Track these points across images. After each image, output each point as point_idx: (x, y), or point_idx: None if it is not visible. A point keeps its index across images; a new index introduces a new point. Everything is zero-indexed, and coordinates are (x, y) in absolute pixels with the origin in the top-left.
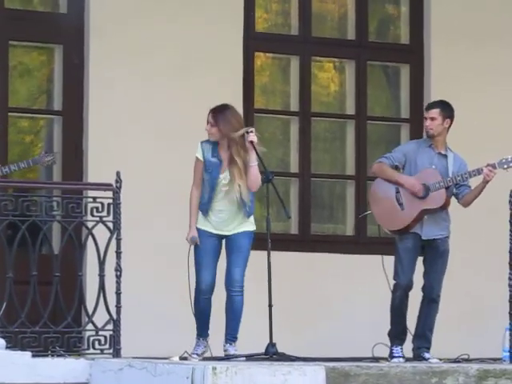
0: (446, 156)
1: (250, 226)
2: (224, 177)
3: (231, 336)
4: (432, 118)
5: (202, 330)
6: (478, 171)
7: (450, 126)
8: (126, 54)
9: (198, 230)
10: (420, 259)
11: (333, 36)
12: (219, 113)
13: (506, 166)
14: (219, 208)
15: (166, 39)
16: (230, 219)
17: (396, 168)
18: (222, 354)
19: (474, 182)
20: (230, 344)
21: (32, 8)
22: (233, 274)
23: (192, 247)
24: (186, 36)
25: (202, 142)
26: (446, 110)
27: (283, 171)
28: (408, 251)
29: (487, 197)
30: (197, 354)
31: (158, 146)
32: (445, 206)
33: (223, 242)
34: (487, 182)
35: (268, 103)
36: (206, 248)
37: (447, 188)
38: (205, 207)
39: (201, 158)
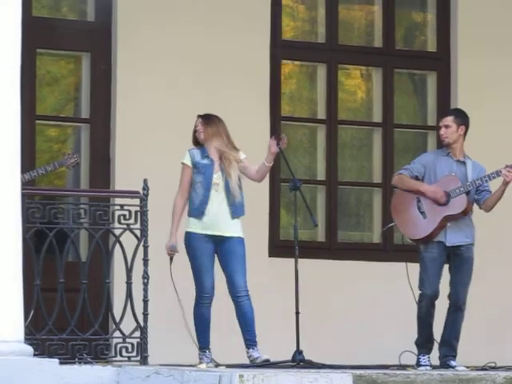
0: (464, 163)
1: (240, 232)
2: (217, 177)
3: (251, 341)
4: (446, 126)
5: (206, 342)
6: (497, 173)
7: (465, 133)
8: (153, 62)
9: (194, 234)
10: (446, 267)
11: (360, 44)
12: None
13: None
14: (213, 208)
15: (192, 46)
16: (223, 219)
17: (416, 179)
18: (239, 360)
19: (495, 187)
20: (253, 348)
21: (60, 16)
22: (236, 280)
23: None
24: (213, 43)
25: (190, 150)
26: (460, 116)
27: (310, 179)
28: (433, 260)
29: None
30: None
31: (184, 154)
32: (466, 212)
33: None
34: (507, 183)
35: (295, 111)
36: (204, 252)
37: (468, 193)
38: (199, 210)
39: (189, 163)
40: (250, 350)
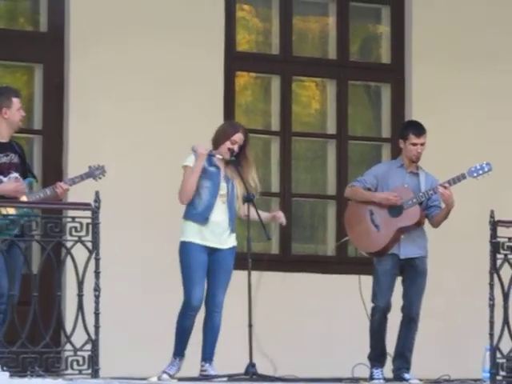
0: (417, 174)
1: (234, 241)
2: (223, 186)
3: (210, 355)
4: (422, 144)
5: (182, 350)
6: (434, 190)
7: None
8: (106, 74)
9: (190, 244)
10: (399, 280)
11: (314, 55)
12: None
13: (475, 175)
14: (217, 219)
15: (146, 58)
16: (224, 231)
17: (369, 190)
18: (196, 373)
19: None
20: (210, 364)
21: (12, 27)
22: (217, 294)
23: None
24: (166, 55)
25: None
26: None
27: (264, 191)
28: (386, 273)
29: (468, 216)
30: (169, 375)
31: (137, 166)
32: (420, 223)
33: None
34: (449, 205)
35: (249, 122)
36: (199, 263)
37: (420, 204)
38: (202, 216)
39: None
40: (207, 364)
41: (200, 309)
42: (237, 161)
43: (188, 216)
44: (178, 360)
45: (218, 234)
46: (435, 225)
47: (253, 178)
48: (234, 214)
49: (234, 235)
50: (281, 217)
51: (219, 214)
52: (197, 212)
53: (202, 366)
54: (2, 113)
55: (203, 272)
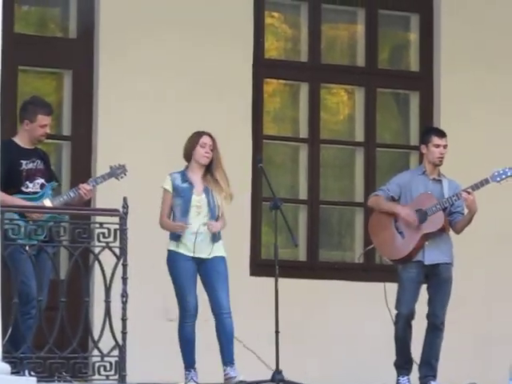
0: (440, 181)
1: (223, 251)
2: (198, 200)
3: (229, 358)
4: (445, 146)
5: (192, 361)
6: (457, 196)
7: None
8: (135, 79)
9: (175, 253)
10: (424, 287)
11: (343, 63)
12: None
13: (498, 179)
14: (192, 231)
15: (175, 64)
16: (204, 242)
17: (392, 199)
18: (216, 380)
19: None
20: (231, 367)
21: (42, 33)
22: (220, 299)
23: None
24: (196, 61)
25: (171, 174)
26: None
27: (292, 198)
28: (411, 280)
29: (495, 223)
30: (195, 381)
31: (166, 171)
32: (444, 228)
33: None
34: (470, 207)
35: (277, 129)
36: (186, 271)
37: (444, 210)
38: (175, 234)
39: (170, 188)
40: (228, 367)
41: (196, 315)
42: (210, 168)
43: (170, 236)
44: (192, 372)
45: (199, 244)
46: (458, 231)
47: (223, 180)
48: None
49: (219, 243)
50: (210, 224)
51: (196, 227)
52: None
53: (224, 370)
54: (24, 124)
55: (192, 279)
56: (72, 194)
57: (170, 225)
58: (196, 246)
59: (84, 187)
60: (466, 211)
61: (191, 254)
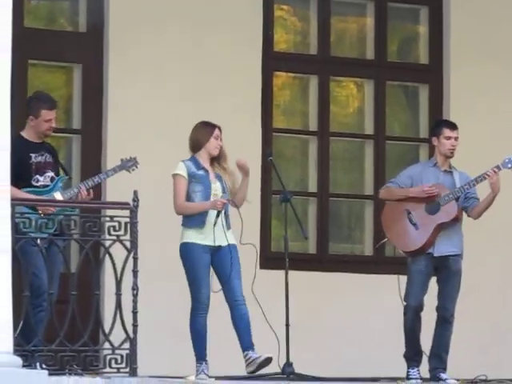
0: (451, 172)
1: (233, 238)
2: (215, 187)
3: (249, 343)
4: (456, 138)
5: (203, 353)
6: (483, 177)
7: None
8: (143, 74)
9: (192, 244)
10: (433, 280)
11: (352, 55)
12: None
13: (510, 165)
14: (212, 220)
15: (184, 58)
16: (221, 230)
17: None
18: (223, 373)
19: (483, 195)
20: (252, 350)
21: (51, 27)
22: (235, 286)
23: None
24: (205, 54)
25: (183, 161)
26: None
27: (302, 191)
28: (420, 272)
29: (506, 214)
30: (205, 374)
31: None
32: (458, 218)
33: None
34: (494, 187)
35: (287, 122)
36: (203, 263)
37: (457, 199)
38: (199, 221)
39: (185, 174)
40: (250, 351)
41: (208, 307)
42: (217, 157)
43: (186, 223)
44: (204, 364)
45: (216, 232)
46: (476, 215)
47: (231, 170)
48: (228, 210)
49: (230, 231)
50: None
51: (214, 213)
52: (194, 217)
53: (246, 355)
54: (29, 119)
55: (206, 271)
56: (76, 190)
57: (199, 206)
58: (216, 234)
59: (83, 191)
60: (481, 198)
61: (211, 244)
